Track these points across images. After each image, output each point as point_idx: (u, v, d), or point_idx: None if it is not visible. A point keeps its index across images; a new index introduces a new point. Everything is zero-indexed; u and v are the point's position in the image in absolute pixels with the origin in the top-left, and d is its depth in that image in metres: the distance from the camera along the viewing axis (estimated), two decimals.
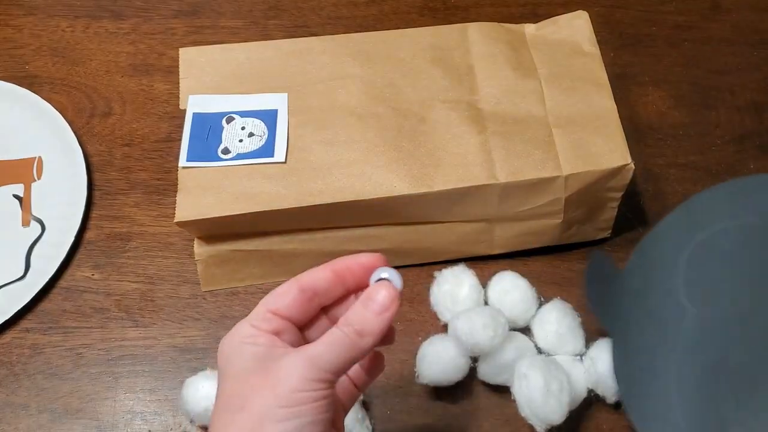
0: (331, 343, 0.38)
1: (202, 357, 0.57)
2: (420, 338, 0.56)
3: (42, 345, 0.57)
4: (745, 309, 0.50)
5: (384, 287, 0.39)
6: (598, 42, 0.61)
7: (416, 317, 0.58)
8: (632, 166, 0.54)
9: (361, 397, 0.53)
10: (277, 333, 0.39)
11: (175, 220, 0.53)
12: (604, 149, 0.55)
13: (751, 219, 0.51)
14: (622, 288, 0.52)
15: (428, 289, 0.59)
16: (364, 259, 0.41)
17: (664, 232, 0.53)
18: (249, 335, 0.39)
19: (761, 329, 0.49)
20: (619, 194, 0.57)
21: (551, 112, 0.57)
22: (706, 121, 0.68)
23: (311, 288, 0.41)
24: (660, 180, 0.65)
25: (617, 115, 0.57)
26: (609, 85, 0.58)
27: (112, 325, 0.58)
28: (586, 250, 0.61)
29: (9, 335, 0.58)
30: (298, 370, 0.37)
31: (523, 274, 0.59)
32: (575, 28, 0.61)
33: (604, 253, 0.50)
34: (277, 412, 0.36)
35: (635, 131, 0.66)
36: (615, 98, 0.57)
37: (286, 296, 0.40)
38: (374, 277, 0.40)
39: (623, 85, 0.69)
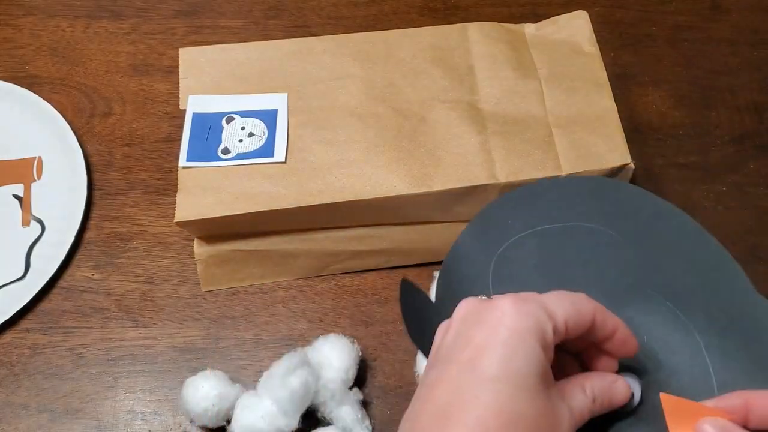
0: (585, 417, 0.37)
1: (202, 357, 0.57)
2: None
3: (42, 345, 0.57)
4: None
5: (627, 389, 0.39)
6: (598, 42, 0.61)
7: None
8: (632, 165, 0.54)
9: (361, 397, 0.53)
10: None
11: (175, 220, 0.53)
12: (604, 149, 0.55)
13: (542, 225, 0.49)
14: (438, 317, 0.44)
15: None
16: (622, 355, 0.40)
17: (464, 250, 0.49)
18: (550, 339, 0.34)
19: None
20: None
21: (551, 112, 0.57)
22: (706, 121, 0.68)
23: (593, 327, 0.37)
24: (660, 180, 0.65)
25: (617, 114, 0.57)
26: (609, 84, 0.58)
27: (112, 325, 0.58)
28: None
29: (9, 335, 0.58)
30: None
31: None
32: (575, 28, 0.61)
33: (412, 284, 0.47)
34: None
35: (635, 131, 0.66)
36: (615, 98, 0.57)
37: (586, 318, 0.36)
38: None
39: (623, 85, 0.69)
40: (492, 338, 0.34)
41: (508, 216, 0.50)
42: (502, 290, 0.45)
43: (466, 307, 0.37)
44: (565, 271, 0.48)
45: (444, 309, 0.44)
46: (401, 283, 0.46)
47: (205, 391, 0.51)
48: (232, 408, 0.51)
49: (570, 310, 0.36)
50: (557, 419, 0.34)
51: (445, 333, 0.38)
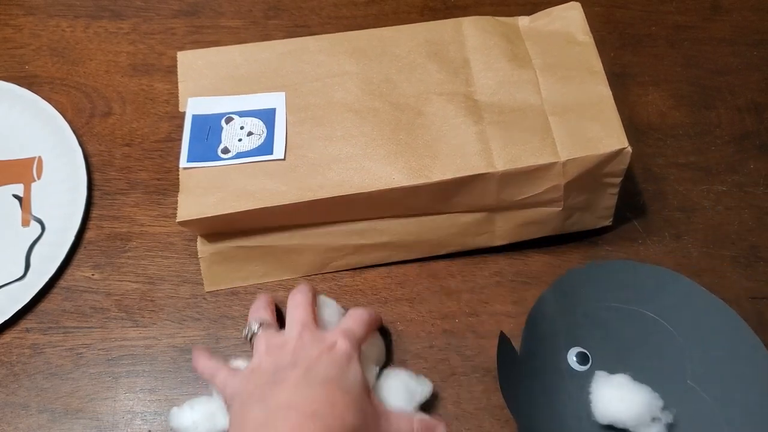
0: None
1: None
2: (421, 336, 0.56)
3: (42, 345, 0.57)
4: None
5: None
6: (599, 41, 0.60)
7: (416, 317, 0.58)
8: (629, 149, 0.54)
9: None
10: None
11: (178, 220, 0.53)
12: (600, 134, 0.55)
13: (612, 303, 0.57)
14: (521, 370, 0.52)
15: (428, 288, 0.59)
16: None
17: (546, 309, 0.55)
18: (359, 354, 0.51)
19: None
20: (618, 179, 0.57)
21: (547, 101, 0.57)
22: (706, 121, 0.68)
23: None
24: (660, 180, 0.65)
25: (613, 100, 0.56)
26: (603, 72, 0.58)
27: (112, 325, 0.58)
28: (585, 251, 0.61)
29: (9, 335, 0.58)
30: None
31: (522, 274, 0.60)
32: (568, 19, 0.61)
33: (506, 337, 0.53)
34: None
35: (635, 131, 0.66)
36: (615, 98, 0.57)
37: (372, 329, 0.55)
38: None
39: (623, 85, 0.69)
40: (333, 358, 0.48)
41: (585, 285, 0.57)
42: (574, 352, 0.56)
43: (299, 334, 0.50)
44: (623, 350, 0.55)
45: (525, 362, 0.53)
46: (501, 336, 0.52)
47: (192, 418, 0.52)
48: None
49: (366, 330, 0.52)
50: (375, 418, 0.48)
51: (280, 349, 0.49)
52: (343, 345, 0.49)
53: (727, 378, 0.53)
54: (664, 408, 0.53)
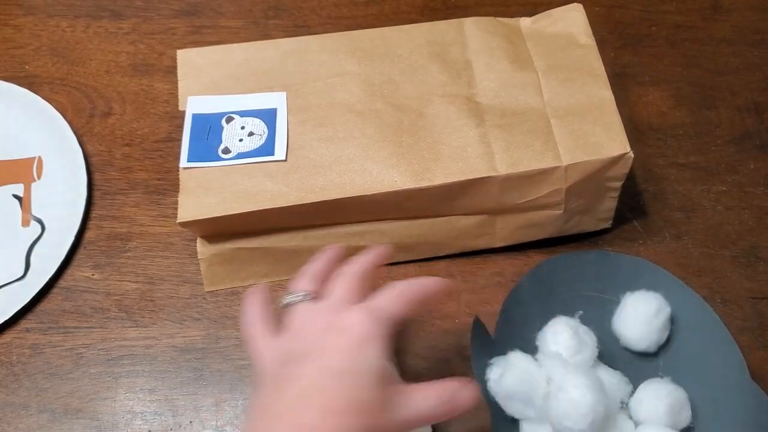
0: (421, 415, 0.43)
1: (202, 357, 0.57)
2: (421, 336, 0.56)
3: (42, 345, 0.57)
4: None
5: (471, 394, 0.44)
6: (599, 41, 0.60)
7: (416, 317, 0.58)
8: (631, 154, 0.54)
9: None
10: None
11: (178, 221, 0.53)
12: (602, 138, 0.55)
13: (587, 292, 0.57)
14: (493, 354, 0.53)
15: None
16: None
17: (522, 296, 0.55)
18: (388, 341, 0.43)
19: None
20: (619, 183, 0.57)
21: (549, 104, 0.57)
22: (706, 121, 0.68)
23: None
24: (660, 180, 0.65)
25: (615, 104, 0.56)
26: (606, 75, 0.58)
27: (112, 325, 0.58)
28: (585, 251, 0.61)
29: (9, 335, 0.58)
30: None
31: (523, 274, 0.59)
32: (570, 21, 0.61)
33: (480, 321, 0.52)
34: None
35: (635, 131, 0.66)
36: (615, 99, 0.57)
37: (416, 306, 0.45)
38: None
39: (623, 85, 0.69)
40: (345, 342, 0.41)
41: (561, 274, 0.57)
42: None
43: (312, 318, 0.43)
44: (599, 338, 0.55)
45: (498, 347, 0.53)
46: (475, 320, 0.52)
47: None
48: None
49: (404, 308, 0.43)
50: (391, 407, 0.40)
51: (291, 338, 0.43)
52: (358, 325, 0.41)
53: (698, 372, 0.53)
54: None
